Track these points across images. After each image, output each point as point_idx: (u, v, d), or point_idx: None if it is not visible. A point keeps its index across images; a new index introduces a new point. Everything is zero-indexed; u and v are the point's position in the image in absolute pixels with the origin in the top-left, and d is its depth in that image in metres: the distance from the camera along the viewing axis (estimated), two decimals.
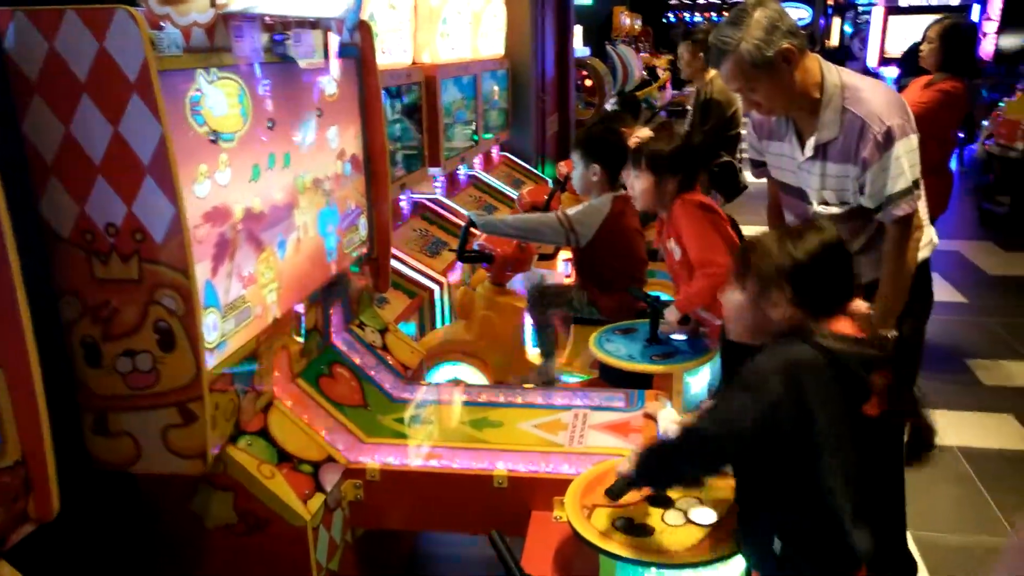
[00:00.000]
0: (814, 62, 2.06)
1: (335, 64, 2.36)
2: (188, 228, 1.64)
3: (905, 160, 1.98)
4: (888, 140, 1.97)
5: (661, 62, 10.48)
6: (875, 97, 2.01)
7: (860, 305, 1.51)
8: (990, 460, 3.22)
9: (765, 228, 1.77)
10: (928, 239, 2.14)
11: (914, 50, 5.13)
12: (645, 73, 9.53)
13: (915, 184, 2.00)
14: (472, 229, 2.96)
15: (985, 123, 8.83)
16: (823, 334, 1.42)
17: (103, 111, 1.57)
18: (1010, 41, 13.26)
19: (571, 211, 2.91)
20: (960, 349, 4.30)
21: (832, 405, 1.39)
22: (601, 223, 2.87)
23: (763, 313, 1.49)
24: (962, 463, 3.18)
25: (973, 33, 3.90)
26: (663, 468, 1.58)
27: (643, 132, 4.95)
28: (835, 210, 2.12)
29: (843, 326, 1.45)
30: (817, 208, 2.13)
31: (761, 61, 1.97)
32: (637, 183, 2.63)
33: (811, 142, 2.09)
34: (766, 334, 1.49)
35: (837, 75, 2.06)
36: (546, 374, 3.09)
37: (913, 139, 2.00)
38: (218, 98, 1.81)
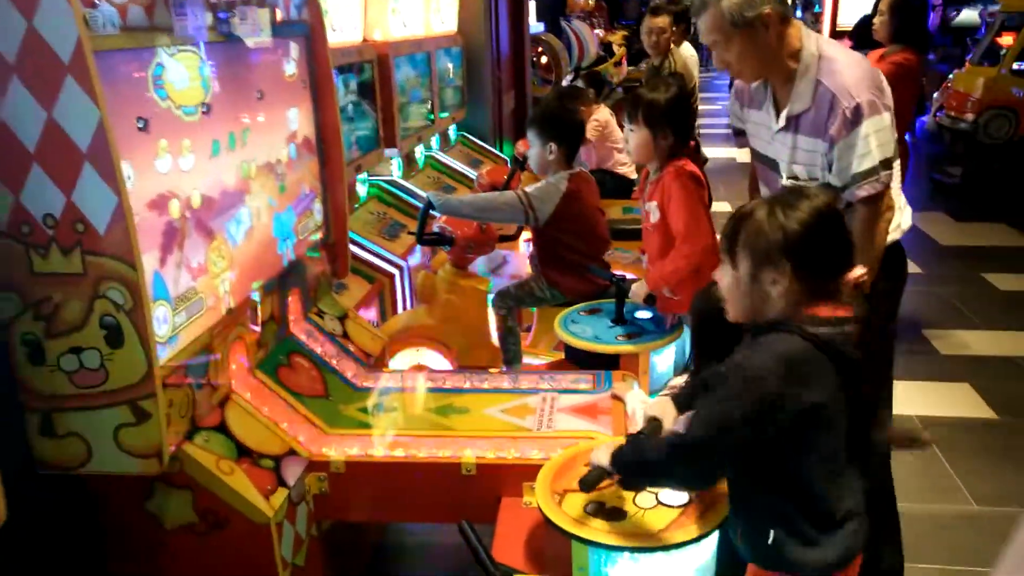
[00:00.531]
0: (795, 30, 2.00)
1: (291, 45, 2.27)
2: (132, 217, 1.56)
3: (874, 139, 1.91)
4: (856, 117, 1.91)
5: (616, 38, 10.42)
6: (849, 71, 1.96)
7: (856, 271, 1.45)
8: (949, 428, 3.28)
9: (733, 202, 1.71)
10: (897, 223, 2.08)
11: (865, 23, 5.17)
12: (601, 49, 9.48)
13: (883, 164, 1.93)
14: (431, 211, 2.90)
15: (935, 95, 8.98)
16: (804, 320, 1.35)
17: (35, 95, 1.48)
18: (963, 14, 13.45)
19: (529, 188, 2.86)
20: (916, 319, 4.36)
21: (830, 390, 1.35)
22: (559, 201, 2.83)
23: (762, 291, 1.39)
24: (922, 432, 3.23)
25: (924, 4, 3.92)
26: (650, 471, 1.51)
27: (603, 112, 4.95)
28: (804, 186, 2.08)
29: (822, 309, 1.37)
30: (785, 182, 2.09)
31: (740, 21, 1.93)
32: (632, 136, 2.57)
33: (784, 112, 2.04)
34: (764, 314, 1.40)
35: (816, 45, 2.00)
36: None
37: (885, 117, 1.93)
38: (179, 71, 1.76)
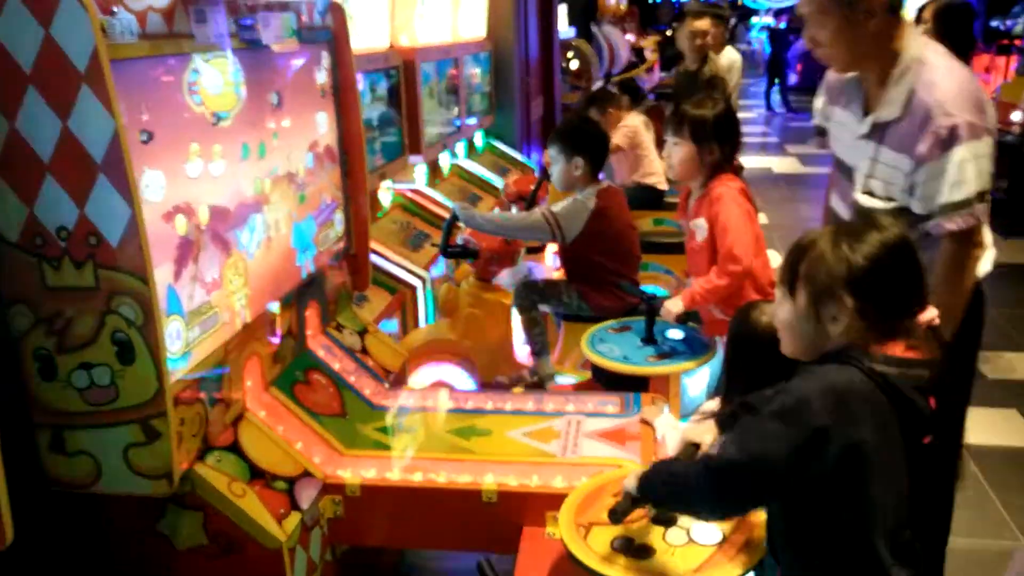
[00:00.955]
0: (902, 28, 1.81)
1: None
2: (146, 230, 1.50)
3: (971, 166, 1.70)
4: (952, 138, 1.69)
5: (648, 43, 10.32)
6: (949, 83, 1.74)
7: (930, 313, 1.30)
8: (996, 458, 3.13)
9: (770, 215, 1.58)
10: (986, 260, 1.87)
11: None
12: (632, 55, 9.38)
13: (979, 195, 1.72)
14: (455, 223, 2.83)
15: None
16: (872, 357, 1.24)
17: (51, 104, 1.44)
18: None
19: (556, 207, 2.78)
20: None
21: (885, 434, 1.23)
22: (587, 219, 2.75)
23: (821, 327, 1.28)
24: (967, 462, 3.09)
25: (969, 11, 3.80)
26: (679, 493, 1.41)
27: (633, 119, 4.86)
28: (878, 204, 1.86)
29: (895, 348, 1.26)
30: (859, 196, 1.90)
31: None
32: (676, 151, 2.47)
33: (871, 117, 1.85)
34: (821, 351, 1.30)
35: (920, 49, 1.81)
36: (540, 372, 2.96)
37: (986, 143, 1.71)
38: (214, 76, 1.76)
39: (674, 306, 2.42)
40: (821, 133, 2.12)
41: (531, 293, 2.93)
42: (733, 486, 1.30)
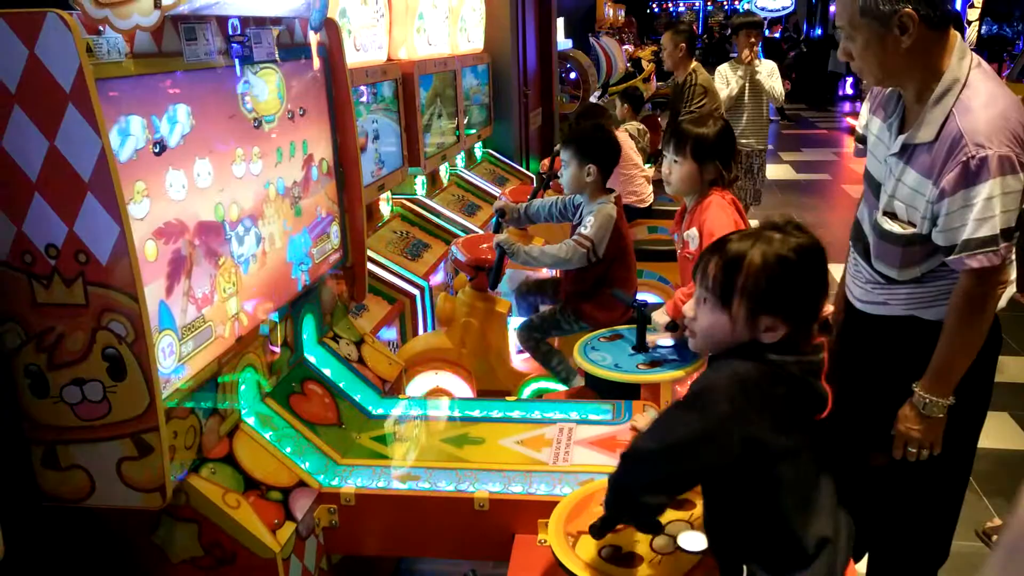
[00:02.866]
0: (945, 46, 1.68)
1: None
2: (135, 248, 1.52)
3: (999, 203, 1.58)
4: (980, 171, 1.58)
5: (645, 53, 10.35)
6: (988, 112, 1.61)
7: (827, 308, 1.43)
8: (987, 461, 3.11)
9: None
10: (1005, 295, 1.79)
11: None
12: (630, 65, 9.41)
13: (1005, 233, 1.60)
14: (505, 257, 2.84)
15: None
16: (770, 348, 1.33)
17: (37, 124, 1.46)
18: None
19: (586, 231, 2.77)
20: None
21: (782, 417, 1.30)
22: (612, 229, 2.79)
23: (751, 336, 1.34)
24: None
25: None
26: (617, 497, 1.44)
27: (623, 132, 4.90)
28: (897, 228, 1.77)
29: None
30: (879, 217, 1.81)
31: (873, 11, 1.63)
32: (676, 168, 2.51)
33: (903, 137, 1.74)
34: (728, 346, 1.38)
35: (964, 69, 1.67)
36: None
37: (1018, 179, 1.59)
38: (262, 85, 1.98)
39: (660, 317, 2.46)
40: (861, 141, 2.02)
41: (533, 334, 2.98)
42: (648, 473, 1.37)
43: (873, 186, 1.88)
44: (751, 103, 5.20)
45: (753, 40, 5.14)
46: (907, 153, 1.74)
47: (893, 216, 1.79)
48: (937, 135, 1.66)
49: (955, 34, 1.70)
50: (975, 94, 1.65)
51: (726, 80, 5.19)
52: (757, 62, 5.15)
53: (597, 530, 1.52)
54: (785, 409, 1.31)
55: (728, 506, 1.40)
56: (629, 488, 1.41)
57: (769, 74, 5.17)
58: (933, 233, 1.70)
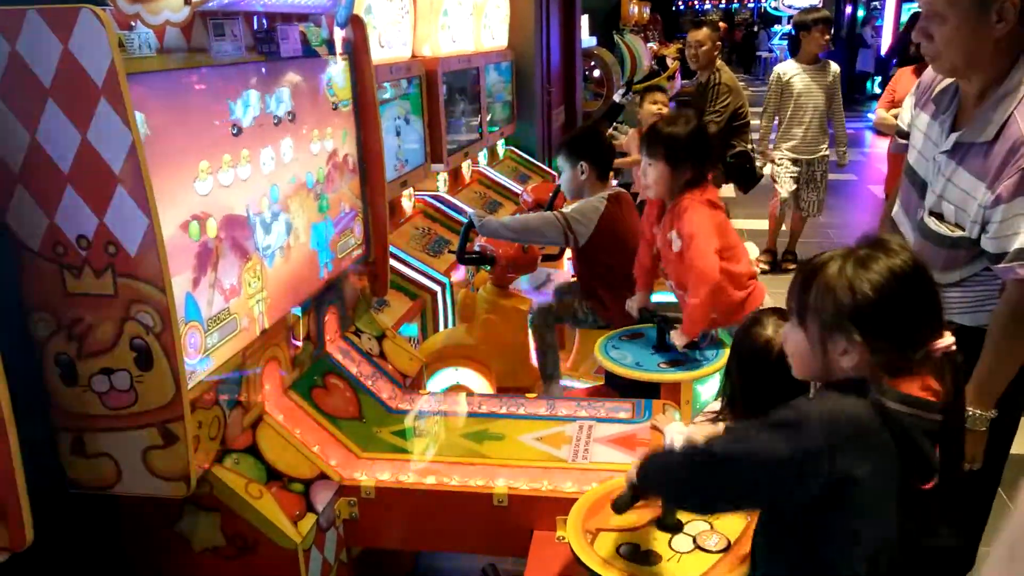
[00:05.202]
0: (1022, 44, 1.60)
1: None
2: (163, 240, 1.55)
3: None
4: None
5: (670, 51, 10.29)
6: None
7: (946, 340, 1.20)
8: (1018, 468, 3.06)
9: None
10: None
11: (904, 39, 5.04)
12: (654, 63, 9.37)
13: None
14: (472, 230, 2.86)
15: None
16: (887, 393, 1.17)
17: (70, 117, 1.48)
18: None
19: (568, 209, 2.80)
20: None
21: (883, 475, 1.18)
22: (598, 220, 2.76)
23: (829, 358, 1.22)
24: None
25: None
26: (665, 480, 1.39)
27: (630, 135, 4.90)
28: (944, 230, 1.72)
29: (911, 386, 1.19)
30: (926, 218, 1.75)
31: None
32: (651, 171, 2.47)
33: (956, 135, 1.67)
34: (834, 378, 1.24)
35: None
36: (549, 395, 2.98)
37: None
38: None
39: (679, 340, 2.41)
40: (902, 136, 1.95)
41: (548, 317, 2.98)
42: (708, 480, 1.28)
43: (916, 183, 1.82)
44: (817, 107, 4.87)
45: (828, 38, 4.74)
46: (960, 152, 1.67)
47: (940, 217, 1.73)
48: (996, 136, 1.60)
49: None
50: None
51: (782, 79, 4.85)
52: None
53: (620, 506, 1.50)
54: (884, 463, 1.18)
55: (782, 540, 1.30)
56: (686, 477, 1.33)
57: (835, 77, 4.84)
58: (982, 239, 1.64)
